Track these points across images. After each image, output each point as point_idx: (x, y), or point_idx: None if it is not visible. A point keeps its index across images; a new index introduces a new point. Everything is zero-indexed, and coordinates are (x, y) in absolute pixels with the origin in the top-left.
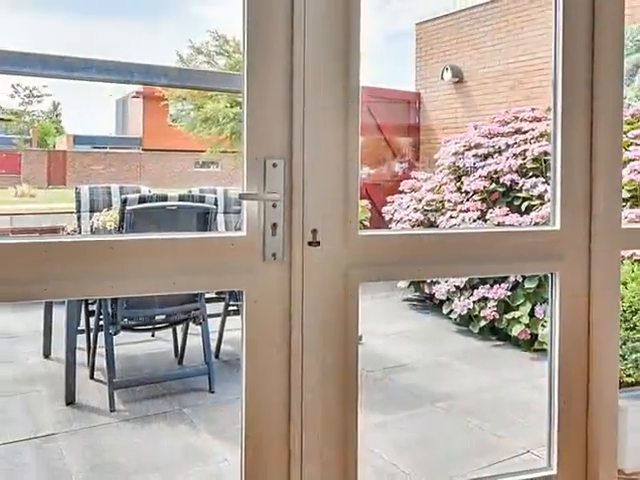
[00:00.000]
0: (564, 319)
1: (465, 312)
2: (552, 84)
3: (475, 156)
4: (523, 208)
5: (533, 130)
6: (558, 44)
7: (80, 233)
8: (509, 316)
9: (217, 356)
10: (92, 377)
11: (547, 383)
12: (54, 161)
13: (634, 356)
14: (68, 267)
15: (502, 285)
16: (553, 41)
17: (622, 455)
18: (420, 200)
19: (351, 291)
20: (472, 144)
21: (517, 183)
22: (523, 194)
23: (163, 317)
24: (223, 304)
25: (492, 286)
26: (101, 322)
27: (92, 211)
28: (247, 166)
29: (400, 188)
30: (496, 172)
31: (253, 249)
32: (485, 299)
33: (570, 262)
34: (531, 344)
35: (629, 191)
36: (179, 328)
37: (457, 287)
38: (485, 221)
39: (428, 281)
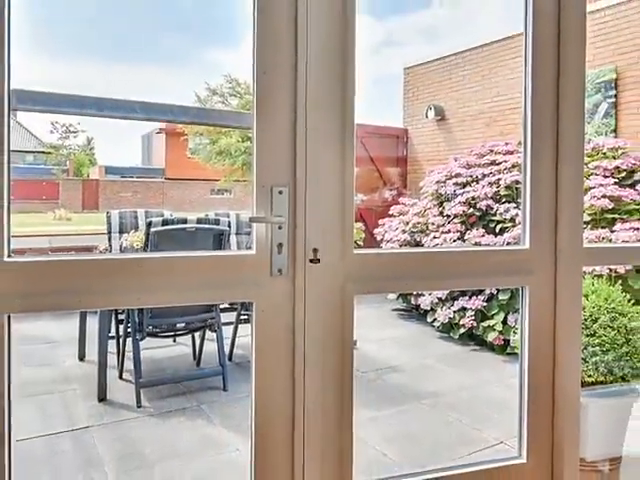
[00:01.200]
0: (533, 326)
1: (447, 320)
2: (522, 122)
3: (455, 184)
4: (497, 230)
5: (506, 162)
6: (527, 87)
7: (111, 252)
8: (485, 324)
9: (230, 359)
10: (121, 377)
11: (518, 383)
12: (88, 189)
13: (594, 359)
14: (100, 281)
15: (479, 297)
16: (523, 85)
17: (584, 446)
18: (407, 223)
19: (347, 302)
20: (453, 174)
21: (492, 208)
22: (497, 218)
23: (183, 325)
24: (235, 313)
25: (470, 298)
26: (129, 329)
27: (121, 232)
28: (256, 193)
29: (390, 212)
30: (473, 198)
31: (261, 265)
32: (464, 309)
33: (538, 277)
34: (504, 349)
35: (589, 215)
36: (197, 334)
37: (439, 299)
38: (464, 241)
39: (414, 293)
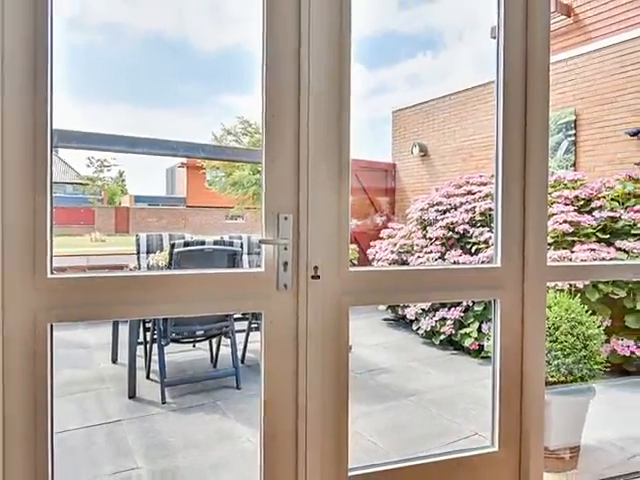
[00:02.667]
0: (503, 334)
1: (429, 328)
2: (494, 157)
3: (436, 211)
4: (473, 250)
5: (480, 192)
6: (499, 128)
7: (139, 269)
8: (462, 332)
9: (242, 361)
10: (148, 377)
11: (491, 382)
12: (120, 215)
13: (556, 362)
14: (131, 294)
15: (457, 308)
16: (495, 125)
17: (547, 437)
18: (395, 244)
19: (343, 312)
20: (434, 202)
21: (468, 232)
22: (473, 240)
23: (202, 332)
24: (247, 322)
25: (449, 309)
26: (155, 336)
27: (148, 252)
28: (265, 219)
29: (380, 235)
30: (452, 223)
31: (269, 281)
32: (444, 319)
33: (508, 291)
34: (479, 353)
35: (552, 237)
36: (214, 340)
37: (423, 310)
38: (444, 260)
39: (401, 305)
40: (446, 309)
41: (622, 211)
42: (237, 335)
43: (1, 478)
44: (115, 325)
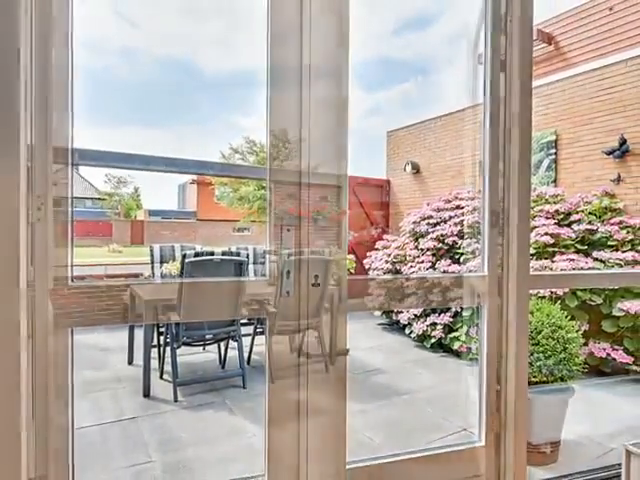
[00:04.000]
0: (489, 337)
1: (421, 332)
2: (482, 174)
3: (428, 224)
4: (461, 260)
5: (468, 206)
6: (485, 147)
7: (153, 277)
8: (452, 335)
9: (248, 363)
10: (161, 377)
11: (478, 382)
12: (135, 227)
13: (538, 363)
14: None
15: (447, 314)
16: (482, 145)
17: (530, 432)
18: (389, 255)
19: (341, 316)
20: (426, 216)
21: (457, 243)
22: (461, 250)
23: (211, 336)
24: (252, 327)
25: (440, 314)
26: (168, 339)
27: (161, 262)
28: (270, 231)
29: (376, 246)
30: (442, 235)
31: (273, 288)
32: (435, 323)
33: (493, 297)
34: (467, 355)
35: (535, 248)
36: (222, 344)
37: (415, 315)
38: (435, 269)
39: (395, 311)
40: (436, 314)
41: (599, 224)
42: (243, 339)
43: (25, 469)
44: (131, 329)
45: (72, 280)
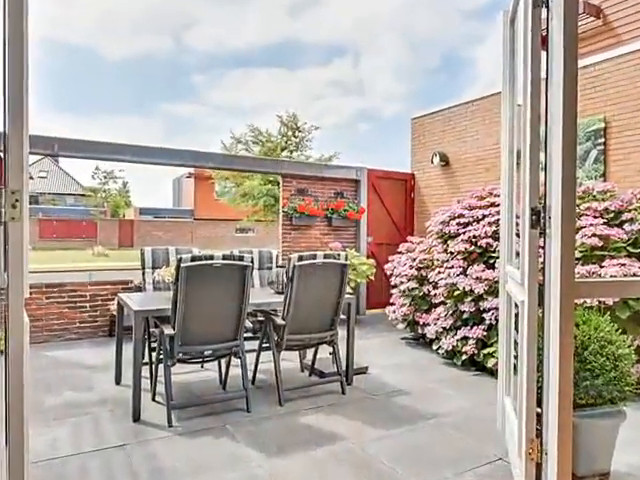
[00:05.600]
0: (528, 353)
1: (450, 348)
2: (523, 167)
3: (458, 224)
4: (496, 265)
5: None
6: (525, 136)
7: (144, 284)
8: (485, 351)
9: (253, 383)
10: (154, 399)
11: (515, 404)
12: (123, 228)
13: (584, 384)
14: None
15: (479, 326)
16: (520, 134)
17: (575, 462)
18: (414, 259)
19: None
20: (456, 215)
21: (491, 245)
22: (496, 254)
23: (210, 352)
24: (258, 342)
25: (472, 327)
26: (161, 356)
27: (154, 268)
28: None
29: (399, 249)
30: (475, 237)
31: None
32: (466, 338)
33: (533, 308)
34: None
35: (581, 252)
36: (223, 361)
37: (444, 328)
38: (466, 276)
39: (421, 323)
40: (468, 327)
41: None
42: (247, 355)
43: None
44: (119, 344)
45: (51, 288)
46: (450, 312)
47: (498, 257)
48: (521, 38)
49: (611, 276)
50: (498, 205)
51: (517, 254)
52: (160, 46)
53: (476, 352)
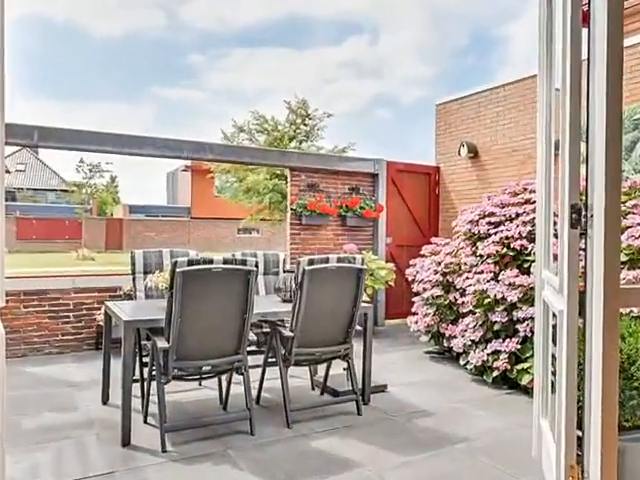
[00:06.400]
0: (567, 369)
1: (479, 363)
2: (561, 160)
3: (489, 223)
4: (532, 270)
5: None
6: (564, 125)
7: (135, 292)
8: (519, 367)
9: (258, 402)
10: (145, 421)
11: (553, 426)
12: (111, 228)
13: (630, 403)
14: None
15: (512, 339)
16: (559, 122)
17: None
18: (439, 263)
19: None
20: (486, 213)
21: (526, 248)
22: (531, 257)
23: (209, 368)
24: (263, 356)
25: (504, 340)
26: (153, 372)
27: (146, 273)
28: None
29: (422, 252)
30: (507, 238)
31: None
32: (497, 352)
33: (573, 318)
34: None
35: (627, 254)
36: (223, 377)
37: (472, 341)
38: (498, 282)
39: (446, 335)
40: (500, 340)
41: None
42: (251, 371)
43: None
44: (106, 359)
45: (30, 296)
46: (479, 323)
47: (534, 261)
48: (560, 14)
49: None
50: (534, 202)
51: (555, 257)
52: (152, 22)
53: (509, 368)
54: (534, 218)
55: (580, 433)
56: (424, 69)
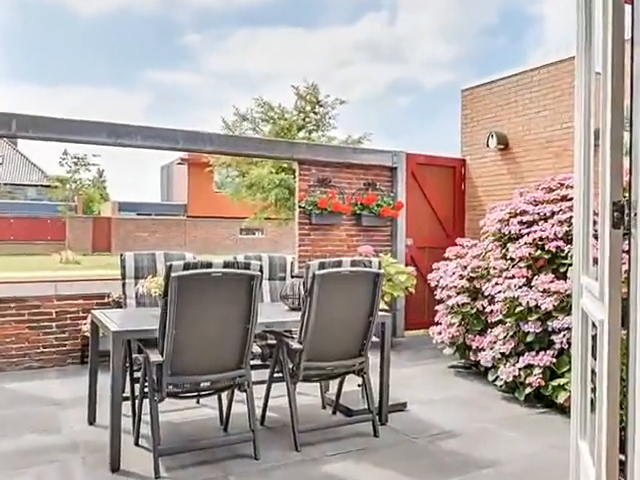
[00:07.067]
0: (609, 385)
1: (510, 379)
2: (601, 153)
3: (520, 223)
4: (569, 274)
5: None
6: (605, 112)
7: (125, 299)
8: (554, 383)
9: (262, 423)
10: (137, 444)
11: (593, 449)
12: (98, 228)
13: None
14: None
15: (547, 352)
16: (599, 109)
17: None
18: (465, 267)
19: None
20: (518, 211)
21: (562, 250)
22: (569, 261)
23: (208, 384)
24: (268, 371)
25: (537, 353)
26: (146, 389)
27: (137, 278)
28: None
29: (446, 254)
30: (542, 239)
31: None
32: (530, 366)
33: (616, 328)
34: None
35: None
36: (224, 395)
37: (502, 354)
38: (531, 287)
39: (473, 347)
40: (533, 353)
41: None
42: (255, 387)
43: None
44: (93, 374)
45: (7, 303)
46: (510, 334)
47: (571, 264)
48: None
49: None
50: (571, 199)
51: (595, 261)
52: None
53: (543, 384)
54: (571, 217)
55: (623, 457)
56: (448, 50)
